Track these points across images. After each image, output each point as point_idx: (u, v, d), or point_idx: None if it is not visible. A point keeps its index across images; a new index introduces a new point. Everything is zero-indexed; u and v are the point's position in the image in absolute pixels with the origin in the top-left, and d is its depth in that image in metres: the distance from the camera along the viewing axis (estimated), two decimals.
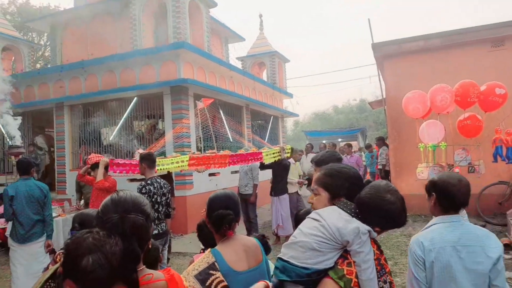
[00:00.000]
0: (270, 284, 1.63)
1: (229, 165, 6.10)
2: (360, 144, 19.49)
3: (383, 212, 1.48)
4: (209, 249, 1.88)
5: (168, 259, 6.11)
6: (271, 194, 7.09)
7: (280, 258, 1.49)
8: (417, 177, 6.32)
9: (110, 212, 1.31)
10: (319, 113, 38.54)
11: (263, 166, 6.89)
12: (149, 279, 1.32)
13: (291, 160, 7.54)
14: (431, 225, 2.00)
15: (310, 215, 1.55)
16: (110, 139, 9.35)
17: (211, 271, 1.75)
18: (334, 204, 1.56)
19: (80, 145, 9.84)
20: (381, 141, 11.25)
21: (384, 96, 9.41)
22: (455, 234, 1.90)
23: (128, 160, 5.34)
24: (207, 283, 1.72)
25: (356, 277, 1.36)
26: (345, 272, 1.36)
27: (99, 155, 5.67)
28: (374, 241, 1.53)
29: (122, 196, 1.36)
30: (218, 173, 9.16)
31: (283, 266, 1.44)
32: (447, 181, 2.00)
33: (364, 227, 1.44)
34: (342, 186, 1.57)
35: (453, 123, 6.17)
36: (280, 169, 6.87)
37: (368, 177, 12.76)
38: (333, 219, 1.45)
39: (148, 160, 4.39)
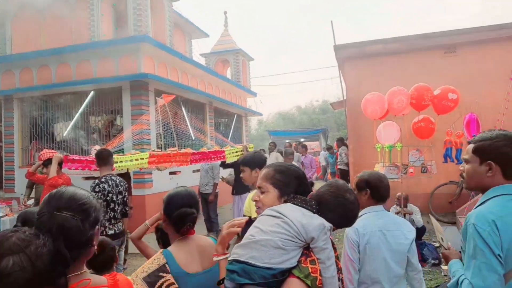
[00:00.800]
0: None
1: (191, 163, 5.97)
2: (322, 145, 19.90)
3: (343, 211, 1.49)
4: (160, 250, 1.81)
5: (125, 260, 5.90)
6: (232, 193, 7.04)
7: (236, 260, 1.35)
8: None
9: (44, 208, 1.19)
10: (283, 113, 38.93)
11: (225, 165, 6.81)
12: (86, 285, 1.18)
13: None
14: (362, 215, 2.36)
15: (265, 213, 1.47)
16: (64, 134, 8.90)
17: (161, 273, 1.68)
18: (286, 202, 1.51)
19: (31, 141, 9.29)
20: (341, 142, 11.54)
21: (345, 97, 9.63)
22: (382, 221, 2.34)
23: (84, 156, 5.07)
24: (156, 286, 1.65)
25: (320, 275, 1.33)
26: (310, 270, 1.32)
27: (52, 151, 5.36)
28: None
29: (59, 191, 1.22)
30: (179, 171, 8.98)
31: (242, 269, 1.31)
32: (378, 178, 2.46)
33: (328, 224, 1.42)
34: (291, 184, 1.54)
35: (408, 125, 6.41)
36: None
37: (329, 177, 13.07)
38: (296, 216, 1.40)
39: (102, 157, 4.20)
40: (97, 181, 4.05)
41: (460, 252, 1.81)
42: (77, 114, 8.68)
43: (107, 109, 8.68)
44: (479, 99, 7.36)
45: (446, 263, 1.86)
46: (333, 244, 1.53)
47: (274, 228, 1.37)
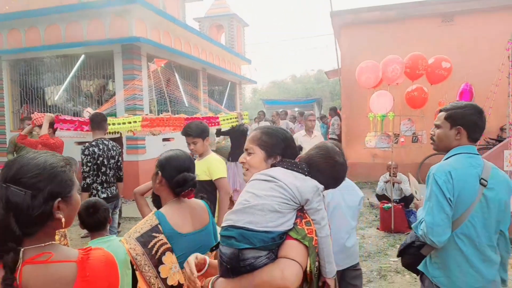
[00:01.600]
0: (207, 257, 1.55)
1: None
2: (316, 114, 19.87)
3: (332, 173, 1.51)
4: (152, 211, 1.85)
5: (119, 223, 6.02)
6: (228, 160, 7.09)
7: (233, 226, 1.34)
8: (365, 145, 6.59)
9: None
10: (277, 82, 38.55)
11: (219, 132, 6.81)
12: (46, 259, 1.03)
13: (248, 126, 7.55)
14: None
15: (256, 177, 1.46)
16: (55, 99, 8.77)
17: (154, 234, 1.73)
18: (274, 165, 1.52)
19: (21, 105, 9.16)
20: (333, 111, 11.53)
21: (340, 66, 9.56)
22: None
23: (76, 117, 5.00)
24: (149, 245, 1.70)
25: (316, 235, 1.36)
26: (306, 232, 1.34)
27: (44, 114, 5.30)
28: None
29: (12, 161, 1.08)
30: (172, 138, 8.98)
31: (240, 234, 1.30)
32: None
33: (321, 185, 1.44)
34: (279, 146, 1.55)
35: (401, 94, 6.42)
36: (237, 135, 6.84)
37: None
38: (290, 179, 1.41)
39: (96, 120, 4.17)
40: (87, 144, 4.04)
41: None
42: (68, 78, 8.53)
43: (99, 73, 8.52)
44: (474, 70, 7.36)
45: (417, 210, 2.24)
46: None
47: (269, 192, 1.37)
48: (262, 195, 1.36)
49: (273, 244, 1.30)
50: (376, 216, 6.44)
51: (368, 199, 7.46)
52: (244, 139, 6.78)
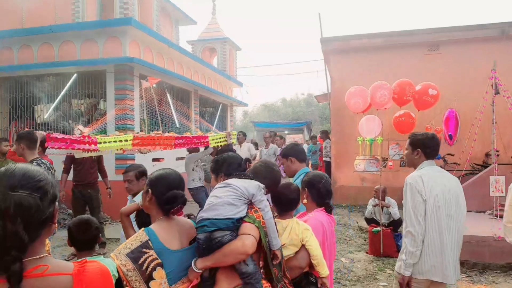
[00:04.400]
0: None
1: (175, 148, 5.96)
2: (305, 137, 20.04)
3: (271, 177, 2.20)
4: (142, 228, 1.84)
5: (104, 243, 5.90)
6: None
7: (204, 219, 1.83)
8: (355, 168, 6.65)
9: None
10: (268, 105, 38.97)
11: (218, 151, 6.79)
12: (42, 271, 1.03)
13: (237, 147, 7.57)
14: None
15: (217, 186, 2.01)
16: (45, 117, 8.72)
17: (144, 250, 1.72)
18: (230, 177, 2.07)
19: (10, 122, 9.07)
20: (325, 134, 11.67)
21: (329, 90, 9.75)
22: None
23: (67, 135, 4.95)
24: (140, 261, 1.69)
25: (262, 218, 1.87)
26: (255, 217, 1.86)
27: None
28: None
29: (9, 169, 1.10)
30: (162, 158, 8.95)
31: (210, 222, 1.79)
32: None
33: (261, 184, 2.00)
34: (222, 167, 2.18)
35: (389, 119, 6.56)
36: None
37: (310, 168, 13.14)
38: (240, 183, 1.95)
39: (28, 140, 3.92)
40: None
41: None
42: (59, 97, 8.51)
43: (91, 92, 8.53)
44: (459, 97, 7.58)
45: None
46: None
47: (225, 193, 1.90)
48: (222, 196, 1.90)
49: (233, 226, 1.80)
50: (365, 240, 6.43)
51: (357, 222, 7.47)
52: None
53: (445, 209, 2.56)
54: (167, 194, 1.84)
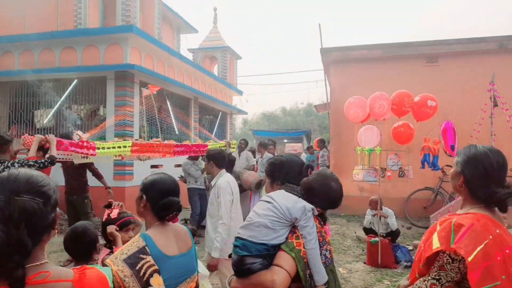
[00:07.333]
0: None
1: (174, 155, 5.98)
2: (304, 146, 20.06)
3: (327, 197, 1.80)
4: (139, 234, 1.83)
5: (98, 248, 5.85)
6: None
7: (239, 238, 1.72)
8: (353, 178, 6.65)
9: None
10: (268, 114, 39.04)
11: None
12: (43, 278, 1.02)
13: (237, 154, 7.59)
14: None
15: (263, 198, 1.83)
16: (45, 122, 8.72)
17: (141, 255, 1.70)
18: (280, 188, 1.86)
19: (9, 126, 9.07)
20: (322, 143, 11.69)
21: (329, 100, 9.79)
22: None
23: (66, 140, 4.94)
24: (137, 267, 1.68)
25: (304, 247, 1.65)
26: (294, 244, 1.65)
27: (34, 136, 5.23)
28: (316, 217, 1.81)
29: (12, 174, 1.07)
30: (161, 165, 8.94)
31: (243, 244, 1.67)
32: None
33: (309, 206, 1.74)
34: (281, 173, 1.94)
35: (388, 129, 6.56)
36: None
37: None
38: (283, 200, 1.74)
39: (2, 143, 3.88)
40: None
41: None
42: (59, 102, 8.53)
43: (91, 98, 8.56)
44: (458, 109, 7.61)
45: None
46: (320, 222, 1.84)
47: (265, 211, 1.72)
48: (261, 214, 1.72)
49: (266, 254, 1.64)
50: (363, 250, 6.40)
51: (355, 232, 7.44)
52: (231, 167, 6.73)
53: None
54: (163, 201, 1.80)
